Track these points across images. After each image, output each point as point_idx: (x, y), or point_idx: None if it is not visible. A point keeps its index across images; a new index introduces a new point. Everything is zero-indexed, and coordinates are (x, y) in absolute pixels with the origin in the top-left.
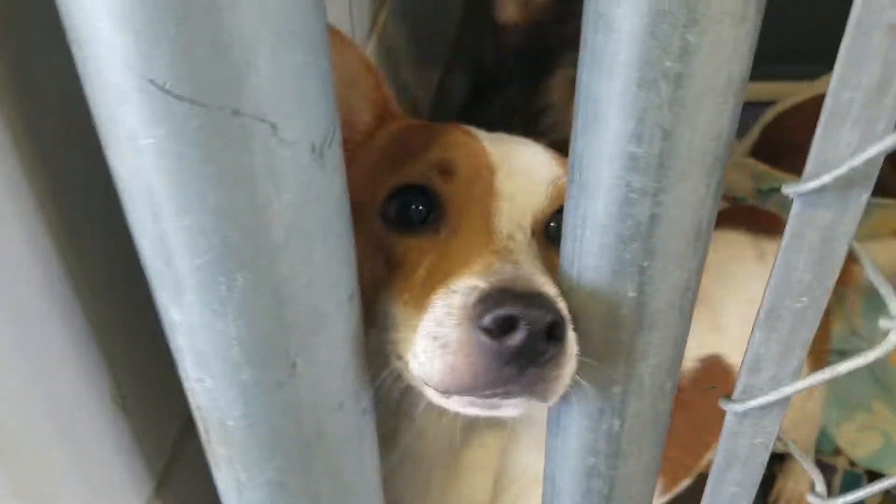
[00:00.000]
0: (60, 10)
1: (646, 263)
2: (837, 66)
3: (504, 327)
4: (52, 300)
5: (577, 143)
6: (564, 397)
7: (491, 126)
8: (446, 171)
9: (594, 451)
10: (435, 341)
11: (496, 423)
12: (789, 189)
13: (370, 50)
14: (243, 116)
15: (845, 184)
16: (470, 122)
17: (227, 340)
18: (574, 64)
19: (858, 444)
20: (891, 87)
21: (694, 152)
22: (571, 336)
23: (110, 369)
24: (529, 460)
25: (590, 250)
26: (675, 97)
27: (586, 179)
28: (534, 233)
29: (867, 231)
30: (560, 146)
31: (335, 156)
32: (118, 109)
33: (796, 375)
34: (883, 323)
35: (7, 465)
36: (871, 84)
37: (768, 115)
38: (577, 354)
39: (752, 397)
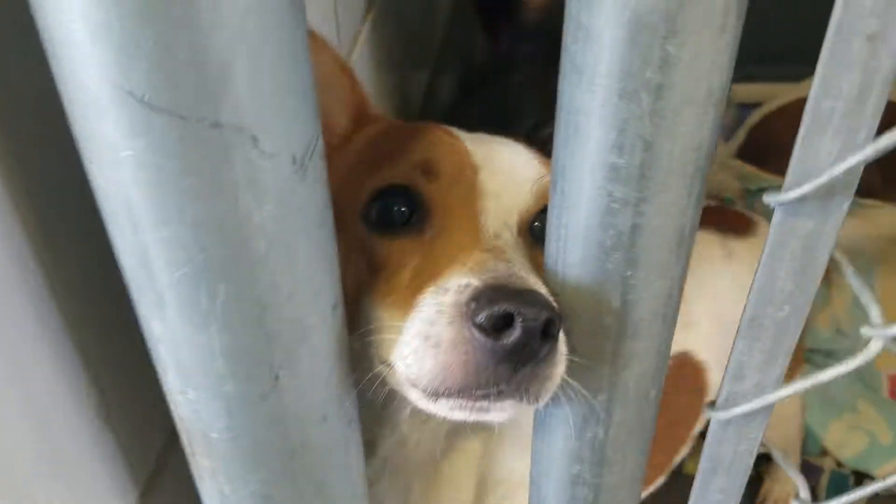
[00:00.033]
0: (37, 20)
1: (629, 273)
2: (817, 75)
3: (499, 325)
4: (32, 311)
5: (559, 154)
6: (551, 402)
7: (483, 119)
8: (429, 171)
9: (579, 459)
10: (426, 341)
11: (480, 428)
12: (770, 198)
13: (357, 53)
14: (223, 128)
15: (826, 192)
16: (460, 118)
17: (210, 353)
18: None
19: (845, 444)
20: (870, 95)
21: (675, 163)
22: (562, 335)
23: (93, 381)
24: (514, 463)
25: (573, 260)
26: (656, 108)
27: (568, 189)
28: (520, 231)
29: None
30: None
31: (317, 167)
32: (96, 121)
33: (779, 383)
34: (865, 331)
35: None
36: (851, 93)
37: (754, 117)
38: (566, 354)
39: (735, 405)
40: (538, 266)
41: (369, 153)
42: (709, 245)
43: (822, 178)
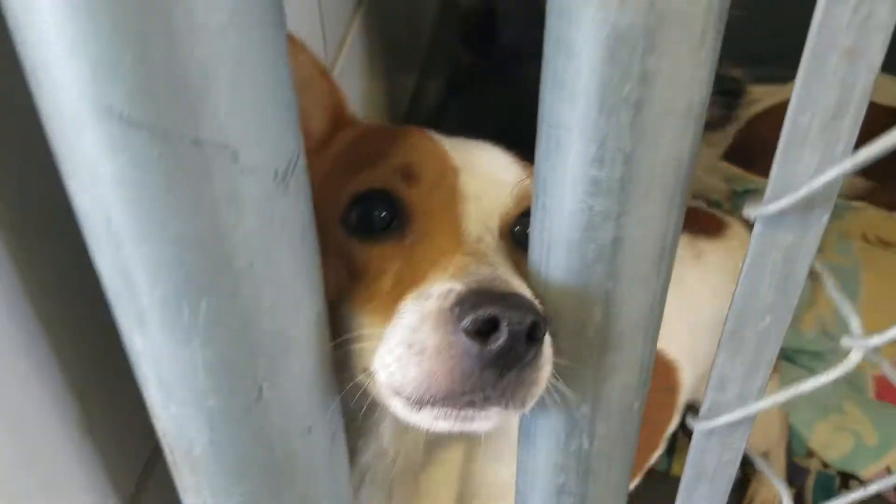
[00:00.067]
0: (14, 36)
1: (611, 285)
2: (796, 90)
3: (485, 329)
4: (13, 325)
5: (540, 167)
6: (537, 410)
7: (473, 119)
8: (409, 175)
9: (564, 470)
10: (410, 348)
11: (463, 437)
12: (750, 211)
13: (343, 58)
14: (203, 144)
15: (806, 205)
16: (450, 119)
17: (192, 368)
18: None
19: (831, 445)
20: (848, 110)
21: (655, 176)
22: (548, 338)
23: (76, 394)
24: (497, 468)
25: (555, 272)
26: (636, 122)
27: (550, 203)
28: (501, 235)
29: (838, 234)
30: None
31: (299, 181)
32: (75, 138)
33: (761, 393)
34: (845, 341)
35: None
36: (828, 107)
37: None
38: (552, 357)
39: (718, 415)
40: (521, 269)
41: (348, 157)
42: (679, 246)
43: (801, 192)
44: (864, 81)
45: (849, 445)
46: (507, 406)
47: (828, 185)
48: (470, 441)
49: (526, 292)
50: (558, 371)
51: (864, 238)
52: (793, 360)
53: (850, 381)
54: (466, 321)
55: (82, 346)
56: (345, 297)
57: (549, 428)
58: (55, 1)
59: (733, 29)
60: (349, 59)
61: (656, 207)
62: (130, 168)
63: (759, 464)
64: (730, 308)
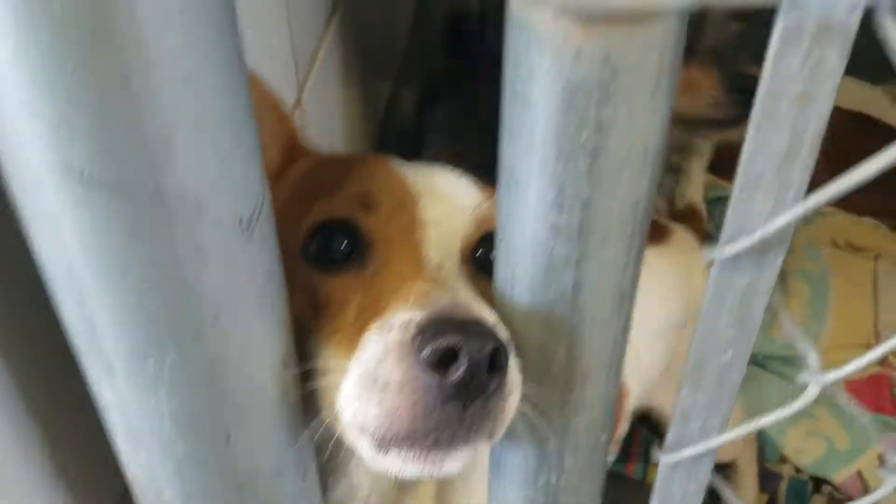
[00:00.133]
0: None
1: (574, 323)
2: (749, 135)
3: (445, 360)
4: None
5: (502, 211)
6: (506, 443)
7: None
8: (367, 203)
9: (534, 503)
10: (374, 383)
11: None
12: (708, 254)
13: (316, 71)
14: (166, 199)
15: (761, 248)
16: (428, 125)
17: (159, 417)
18: None
19: (803, 450)
20: (799, 154)
21: (613, 221)
22: (514, 363)
23: (47, 440)
24: (469, 501)
25: (519, 311)
26: (593, 169)
27: (512, 246)
28: (462, 260)
29: (807, 239)
30: None
31: (264, 227)
32: (37, 195)
33: (724, 426)
34: (803, 376)
35: None
36: (780, 152)
37: None
38: (520, 384)
39: (682, 448)
40: (484, 294)
41: (304, 187)
42: None
43: (755, 236)
44: (814, 126)
45: (821, 450)
46: (474, 442)
47: (781, 229)
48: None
49: (489, 318)
50: (527, 398)
51: (834, 243)
52: (764, 365)
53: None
54: (426, 351)
55: (53, 394)
56: (309, 329)
57: (519, 462)
58: (14, 61)
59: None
60: (322, 71)
61: (615, 251)
62: (92, 224)
63: (727, 494)
64: (691, 344)
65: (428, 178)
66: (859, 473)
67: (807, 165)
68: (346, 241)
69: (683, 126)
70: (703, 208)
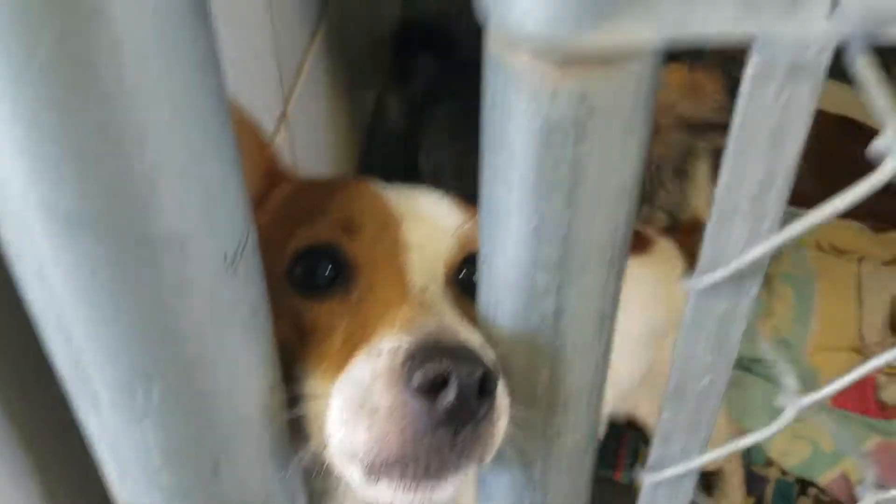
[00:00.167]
0: None
1: (556, 347)
2: (724, 167)
3: (435, 386)
4: None
5: (484, 242)
6: (493, 466)
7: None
8: (350, 228)
9: None
10: (362, 409)
11: None
12: (685, 285)
13: (302, 82)
14: (151, 238)
15: (737, 277)
16: (426, 126)
17: (147, 448)
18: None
19: (789, 452)
20: (773, 187)
21: (593, 249)
22: (502, 387)
23: (36, 465)
24: None
25: (502, 337)
26: (572, 203)
27: (494, 275)
28: (447, 281)
29: (791, 243)
30: None
31: (249, 261)
32: (24, 235)
33: (704, 447)
34: (780, 400)
35: None
36: (755, 184)
37: None
38: (508, 408)
39: (663, 468)
40: (469, 315)
41: (286, 213)
42: None
43: (731, 267)
44: (787, 159)
45: (806, 452)
46: (465, 467)
47: (756, 260)
48: None
49: (475, 341)
50: (513, 420)
51: (818, 246)
52: (749, 368)
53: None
54: (415, 378)
55: (41, 418)
56: (296, 356)
57: (505, 483)
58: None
59: None
60: (308, 82)
61: (595, 278)
62: (78, 264)
63: None
64: (671, 367)
65: (410, 201)
66: (844, 475)
67: (781, 197)
68: (330, 267)
69: (688, 130)
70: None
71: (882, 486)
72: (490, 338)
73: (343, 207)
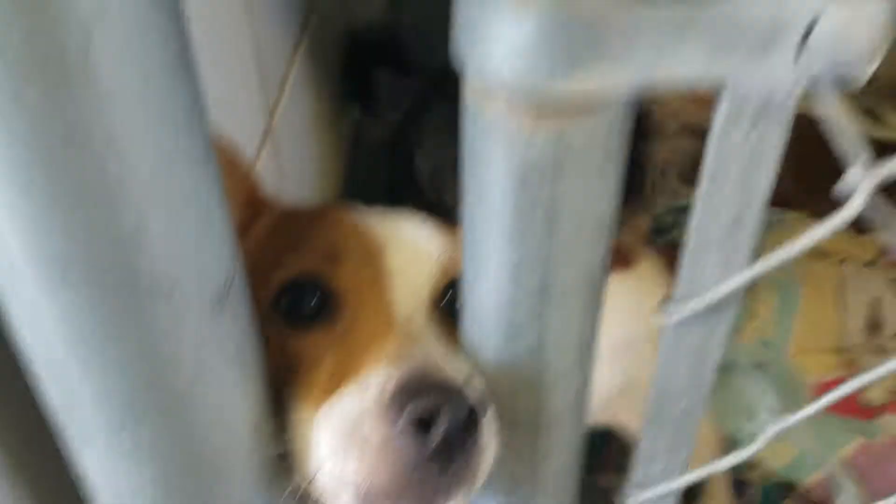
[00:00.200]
0: None
1: (539, 376)
2: (698, 201)
3: (423, 422)
4: None
5: (467, 276)
6: (481, 490)
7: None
8: (334, 258)
9: None
10: (352, 440)
11: None
12: (660, 318)
13: (287, 95)
14: (139, 283)
15: (712, 309)
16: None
17: (141, 483)
18: None
19: (774, 455)
20: (746, 222)
21: (573, 281)
22: (491, 414)
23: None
24: None
25: (485, 366)
26: (550, 239)
27: (477, 307)
28: (431, 308)
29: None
30: None
31: (237, 299)
32: (16, 282)
33: (685, 467)
34: (750, 427)
35: None
36: (728, 219)
37: None
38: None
39: (646, 488)
40: (454, 341)
41: (270, 243)
42: None
43: (705, 300)
44: (759, 195)
45: (791, 455)
46: (455, 496)
47: (731, 292)
48: None
49: (462, 371)
50: (500, 446)
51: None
52: (731, 370)
53: (789, 395)
54: (404, 417)
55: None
56: (284, 388)
57: None
58: None
59: None
60: (292, 95)
61: (576, 307)
62: (68, 310)
63: None
64: (651, 390)
65: (392, 227)
66: (828, 477)
67: (754, 231)
68: (315, 297)
69: (696, 137)
70: None
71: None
72: (475, 366)
73: (326, 237)
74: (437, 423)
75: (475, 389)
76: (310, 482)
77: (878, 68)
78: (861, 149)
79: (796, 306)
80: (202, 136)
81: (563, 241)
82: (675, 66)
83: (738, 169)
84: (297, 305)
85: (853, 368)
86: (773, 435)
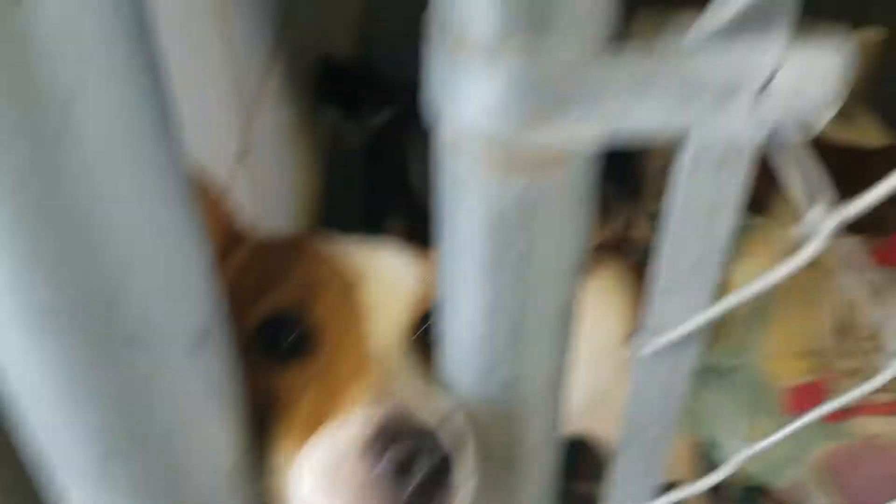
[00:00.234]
0: None
1: (514, 409)
2: (665, 241)
3: (401, 467)
4: None
5: (444, 314)
6: None
7: None
8: (311, 292)
9: None
10: (331, 485)
11: None
12: (628, 353)
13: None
14: (121, 329)
15: (679, 343)
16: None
17: None
18: None
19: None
20: (710, 260)
21: (545, 320)
22: (469, 452)
23: None
24: None
25: (463, 400)
26: (523, 282)
27: (453, 345)
28: (407, 340)
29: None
30: None
31: (216, 341)
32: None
33: (659, 489)
34: (721, 434)
35: None
36: (693, 258)
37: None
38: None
39: None
40: (430, 371)
41: (249, 276)
42: None
43: (673, 335)
44: (722, 235)
45: (764, 459)
46: None
47: (698, 328)
48: None
49: (438, 409)
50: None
51: (774, 258)
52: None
53: (760, 397)
54: (382, 463)
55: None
56: (265, 425)
57: None
58: None
59: None
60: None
61: (549, 344)
62: (53, 356)
63: None
64: (623, 418)
65: (369, 258)
66: (799, 481)
67: (716, 272)
68: (293, 332)
69: None
70: None
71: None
72: (453, 401)
73: (303, 271)
74: (414, 470)
75: (452, 430)
76: None
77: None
78: (823, 190)
79: (767, 310)
80: (183, 185)
81: (536, 281)
82: (639, 118)
83: (700, 213)
84: (275, 341)
85: (825, 372)
86: (744, 459)
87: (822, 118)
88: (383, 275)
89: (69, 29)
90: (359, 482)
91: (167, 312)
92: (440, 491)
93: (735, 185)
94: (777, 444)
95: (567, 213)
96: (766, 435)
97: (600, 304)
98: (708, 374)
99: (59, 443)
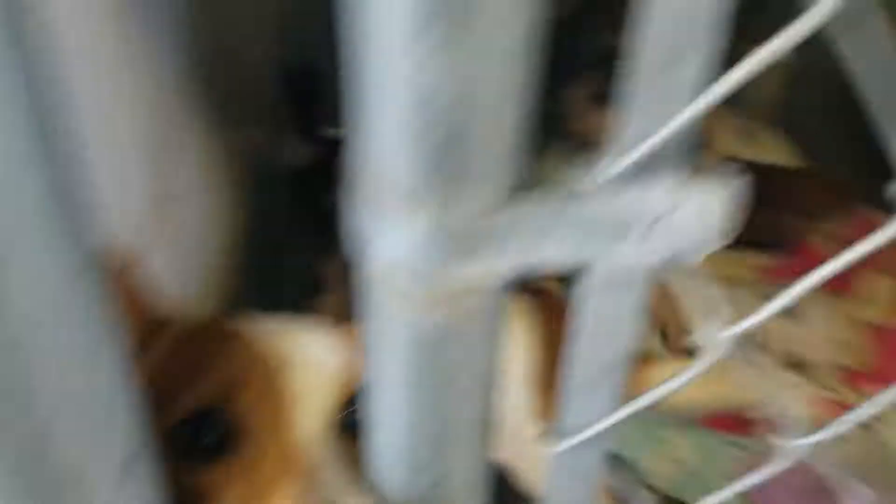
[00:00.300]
0: None
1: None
2: (572, 352)
3: None
4: None
5: (371, 416)
6: None
7: None
8: (233, 387)
9: None
10: None
11: None
12: (543, 450)
13: (181, 123)
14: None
15: (591, 440)
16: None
17: None
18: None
19: (657, 473)
20: (614, 369)
21: (468, 427)
22: None
23: None
24: None
25: (392, 498)
26: (445, 397)
27: (381, 448)
28: (332, 428)
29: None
30: None
31: (142, 469)
32: None
33: None
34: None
35: None
36: (599, 367)
37: None
38: None
39: None
40: (355, 459)
41: (170, 368)
42: None
43: (587, 434)
44: (623, 347)
45: (674, 472)
46: None
47: (607, 428)
48: None
49: None
50: None
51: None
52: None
53: (676, 423)
54: None
55: None
56: None
57: None
58: None
59: None
60: (187, 126)
61: (472, 448)
62: None
63: None
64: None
65: (290, 343)
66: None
67: (621, 377)
68: (216, 430)
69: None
70: None
71: None
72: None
73: (226, 362)
74: None
75: None
76: None
77: (754, 90)
78: (719, 307)
79: None
80: (110, 329)
81: (458, 396)
82: (545, 255)
83: (605, 328)
84: (198, 438)
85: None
86: None
87: (705, 252)
88: (308, 359)
89: None
90: None
91: (95, 451)
92: None
93: (632, 304)
94: (692, 461)
95: (485, 335)
96: (678, 448)
97: (521, 328)
98: None
99: None
